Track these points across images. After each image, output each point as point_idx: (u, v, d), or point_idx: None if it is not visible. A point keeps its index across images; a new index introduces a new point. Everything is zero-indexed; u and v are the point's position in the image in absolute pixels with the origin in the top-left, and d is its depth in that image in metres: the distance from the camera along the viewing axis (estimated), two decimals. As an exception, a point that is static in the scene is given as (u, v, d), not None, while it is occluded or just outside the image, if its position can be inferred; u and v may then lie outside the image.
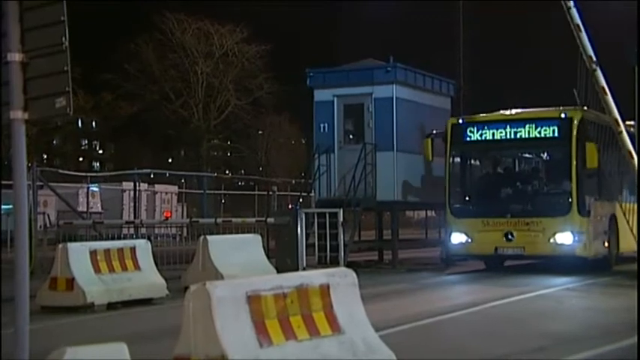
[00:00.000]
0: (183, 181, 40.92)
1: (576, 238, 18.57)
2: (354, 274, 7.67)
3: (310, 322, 6.95)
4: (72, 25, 6.32)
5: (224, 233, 20.19)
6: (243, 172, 64.50)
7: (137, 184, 25.83)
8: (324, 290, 7.21)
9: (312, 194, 23.21)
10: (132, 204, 27.63)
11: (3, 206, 19.15)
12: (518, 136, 19.49)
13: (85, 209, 27.97)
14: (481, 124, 19.94)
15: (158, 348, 8.78)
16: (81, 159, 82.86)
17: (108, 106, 61.25)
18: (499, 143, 19.87)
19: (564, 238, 18.61)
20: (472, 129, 19.90)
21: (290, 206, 29.34)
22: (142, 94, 53.63)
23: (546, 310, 13.08)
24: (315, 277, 7.34)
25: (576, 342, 9.72)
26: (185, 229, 27.27)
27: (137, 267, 14.31)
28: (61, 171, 31.32)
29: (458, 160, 20.65)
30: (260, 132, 62.62)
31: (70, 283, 13.18)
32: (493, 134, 19.72)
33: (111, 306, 13.34)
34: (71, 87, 6.30)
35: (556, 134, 19.21)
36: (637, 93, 17.04)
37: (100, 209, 33.84)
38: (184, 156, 66.84)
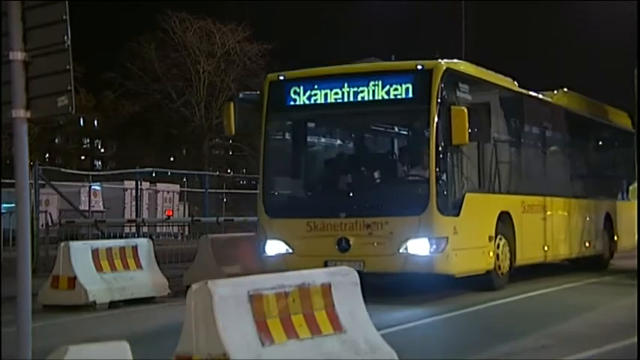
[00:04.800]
0: (184, 179, 40.90)
1: (435, 247, 13.19)
2: (356, 273, 7.68)
3: (312, 321, 6.96)
4: (74, 24, 6.33)
5: (226, 232, 20.18)
6: (244, 171, 64.44)
7: (139, 182, 25.78)
8: (326, 289, 7.23)
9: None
10: (134, 203, 27.56)
11: (5, 205, 19.16)
12: (359, 97, 13.86)
13: (87, 208, 27.94)
14: (310, 82, 14.30)
15: (160, 347, 8.78)
16: (83, 158, 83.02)
17: (110, 105, 61.31)
18: (333, 108, 14.24)
19: (418, 247, 13.21)
20: (297, 89, 14.28)
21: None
22: (144, 93, 53.62)
23: (547, 309, 13.10)
24: (317, 276, 7.36)
25: (577, 341, 9.73)
26: (187, 228, 27.31)
27: (139, 266, 14.33)
28: (62, 170, 31.23)
29: (277, 134, 15.34)
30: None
31: (72, 281, 13.21)
32: (325, 96, 14.10)
33: (113, 305, 13.36)
34: (73, 86, 6.32)
35: (410, 94, 13.58)
36: (637, 93, 17.01)
37: (101, 208, 33.85)
38: (186, 155, 66.85)
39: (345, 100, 13.98)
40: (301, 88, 14.28)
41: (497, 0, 56.47)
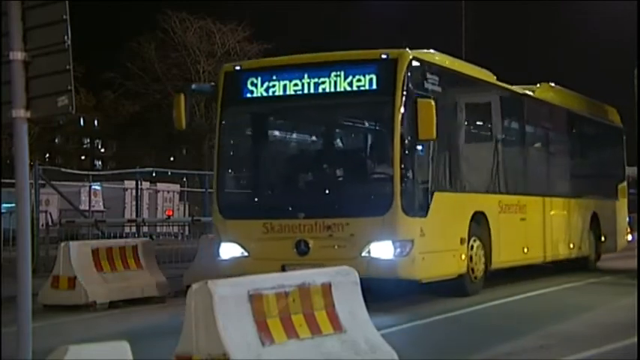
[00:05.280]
0: (185, 179, 40.90)
1: (399, 251, 12.29)
2: (356, 273, 7.69)
3: (312, 320, 6.97)
4: (74, 24, 6.33)
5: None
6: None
7: (139, 182, 25.78)
8: (326, 289, 7.24)
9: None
10: (134, 202, 27.57)
11: (5, 205, 19.17)
12: (320, 89, 12.93)
13: (87, 208, 27.95)
14: (267, 73, 13.39)
15: (160, 346, 8.78)
16: (83, 157, 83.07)
17: (110, 105, 61.40)
18: (292, 101, 13.31)
19: (381, 251, 12.29)
20: (254, 80, 13.31)
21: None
22: (144, 93, 53.67)
23: (547, 309, 13.10)
24: (317, 275, 7.36)
25: (577, 341, 9.73)
26: (187, 228, 27.26)
27: (139, 265, 14.33)
28: (63, 169, 31.24)
29: (233, 128, 14.14)
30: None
31: (72, 281, 13.21)
32: (284, 87, 13.14)
33: (113, 304, 13.35)
34: (73, 85, 6.32)
35: (373, 85, 12.70)
36: (637, 93, 17.01)
37: (102, 208, 33.86)
38: (186, 155, 66.91)
39: (305, 91, 13.03)
40: (259, 79, 13.32)
41: (498, 0, 56.55)
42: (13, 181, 6.63)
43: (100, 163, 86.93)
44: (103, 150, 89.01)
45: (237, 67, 13.89)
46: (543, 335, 10.12)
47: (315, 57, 13.59)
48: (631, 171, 23.42)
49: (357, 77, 12.73)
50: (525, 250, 16.28)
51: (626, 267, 19.34)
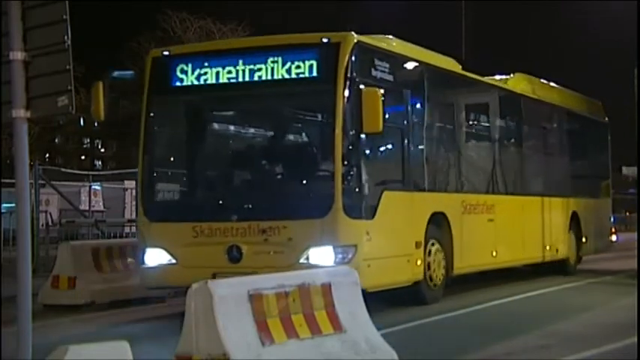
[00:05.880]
0: (185, 180, 40.84)
1: (341, 257, 10.95)
2: (356, 273, 7.70)
3: (312, 320, 6.98)
4: (74, 24, 6.33)
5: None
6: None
7: (139, 182, 25.77)
8: (326, 289, 7.25)
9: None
10: (134, 202, 27.55)
11: (5, 205, 19.17)
12: (255, 77, 11.66)
13: (87, 208, 27.95)
14: (199, 59, 12.13)
15: (160, 346, 8.80)
16: (83, 157, 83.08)
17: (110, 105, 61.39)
18: (225, 90, 11.99)
19: (320, 257, 10.92)
20: (184, 67, 12.04)
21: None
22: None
23: (547, 309, 13.10)
24: (317, 276, 7.38)
25: (577, 341, 9.73)
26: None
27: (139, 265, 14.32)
28: (63, 169, 31.28)
29: (160, 120, 12.66)
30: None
31: (72, 281, 13.22)
32: (217, 75, 11.85)
33: (113, 304, 13.36)
34: (73, 85, 6.33)
35: (314, 73, 11.42)
36: (637, 93, 17.02)
37: (102, 208, 33.83)
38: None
39: (240, 79, 11.74)
40: (189, 66, 12.02)
41: (498, 0, 56.59)
42: (13, 181, 6.63)
43: (100, 163, 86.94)
44: (103, 150, 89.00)
45: (166, 53, 12.59)
46: (543, 335, 10.12)
47: (250, 41, 12.56)
48: (631, 171, 23.22)
49: (297, 63, 11.49)
50: (494, 253, 15.06)
51: (626, 267, 19.33)
